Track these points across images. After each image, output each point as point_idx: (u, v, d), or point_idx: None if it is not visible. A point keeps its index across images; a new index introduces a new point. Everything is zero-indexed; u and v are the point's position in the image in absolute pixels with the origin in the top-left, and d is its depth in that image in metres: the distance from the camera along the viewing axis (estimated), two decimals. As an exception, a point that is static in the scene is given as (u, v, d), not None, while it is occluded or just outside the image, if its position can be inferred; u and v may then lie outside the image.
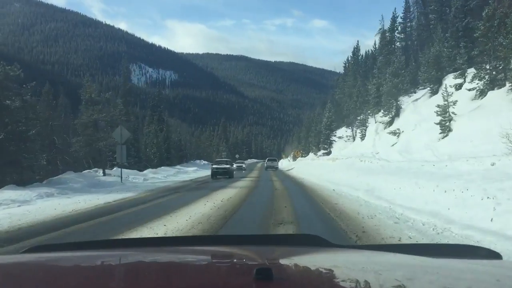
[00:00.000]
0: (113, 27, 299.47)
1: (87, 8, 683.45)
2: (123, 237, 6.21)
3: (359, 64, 64.99)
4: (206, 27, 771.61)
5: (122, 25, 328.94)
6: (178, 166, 43.93)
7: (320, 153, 54.14)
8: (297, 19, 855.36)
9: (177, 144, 56.93)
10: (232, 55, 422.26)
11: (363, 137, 44.70)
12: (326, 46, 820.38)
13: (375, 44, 61.18)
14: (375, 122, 44.00)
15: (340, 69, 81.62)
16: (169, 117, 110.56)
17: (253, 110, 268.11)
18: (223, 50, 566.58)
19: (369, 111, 46.15)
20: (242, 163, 49.87)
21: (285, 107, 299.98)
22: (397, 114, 39.30)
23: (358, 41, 65.44)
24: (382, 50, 53.19)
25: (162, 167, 38.40)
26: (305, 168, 37.78)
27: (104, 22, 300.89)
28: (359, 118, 47.63)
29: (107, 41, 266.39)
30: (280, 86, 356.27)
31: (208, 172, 33.17)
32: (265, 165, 49.63)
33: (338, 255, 1.79)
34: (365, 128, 45.48)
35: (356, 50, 67.37)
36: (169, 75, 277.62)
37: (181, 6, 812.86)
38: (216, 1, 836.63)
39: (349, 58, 69.90)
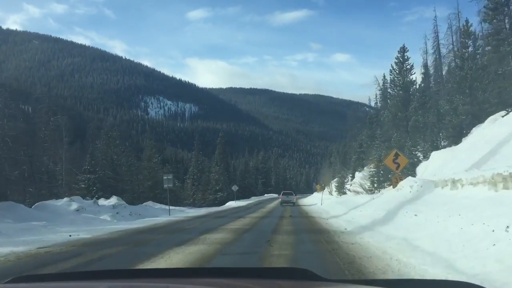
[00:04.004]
0: (132, 61, 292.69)
1: (110, 48, 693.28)
2: None
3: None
4: (227, 64, 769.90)
5: (144, 63, 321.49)
6: None
7: None
8: (318, 54, 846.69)
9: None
10: (256, 88, 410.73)
11: None
12: (349, 79, 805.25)
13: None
14: None
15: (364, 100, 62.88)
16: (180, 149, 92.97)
17: (278, 142, 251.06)
18: (246, 85, 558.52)
19: None
20: None
21: (312, 139, 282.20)
22: None
23: None
24: None
25: None
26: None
27: (124, 57, 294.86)
28: None
29: (125, 74, 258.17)
30: (306, 118, 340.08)
31: None
32: (280, 199, 43.04)
33: None
34: None
35: None
36: (188, 107, 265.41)
37: (203, 45, 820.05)
38: (237, 40, 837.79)
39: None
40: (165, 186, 28.10)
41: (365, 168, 46.66)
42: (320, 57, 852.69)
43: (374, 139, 49.06)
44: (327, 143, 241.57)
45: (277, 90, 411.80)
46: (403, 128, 31.96)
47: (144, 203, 32.58)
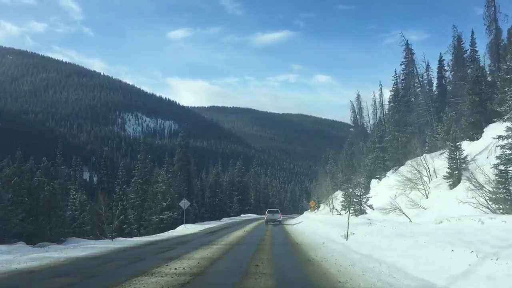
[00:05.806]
0: (110, 77, 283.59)
1: (89, 66, 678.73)
2: None
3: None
4: (209, 84, 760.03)
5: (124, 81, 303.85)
6: None
7: None
8: (300, 75, 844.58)
9: None
10: (239, 107, 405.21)
11: None
12: (331, 99, 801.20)
13: None
14: None
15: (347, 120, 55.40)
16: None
17: (261, 160, 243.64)
18: (229, 104, 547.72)
19: None
20: None
21: (295, 158, 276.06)
22: None
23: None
24: None
25: None
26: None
27: (102, 73, 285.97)
28: None
29: (102, 90, 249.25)
30: (289, 138, 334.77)
31: None
32: (265, 218, 40.06)
33: None
34: None
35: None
36: (168, 125, 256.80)
37: (184, 65, 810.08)
38: (218, 60, 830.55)
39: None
40: None
41: (393, 169, 36.08)
42: (302, 78, 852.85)
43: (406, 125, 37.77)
44: (310, 162, 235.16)
45: (259, 109, 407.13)
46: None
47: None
